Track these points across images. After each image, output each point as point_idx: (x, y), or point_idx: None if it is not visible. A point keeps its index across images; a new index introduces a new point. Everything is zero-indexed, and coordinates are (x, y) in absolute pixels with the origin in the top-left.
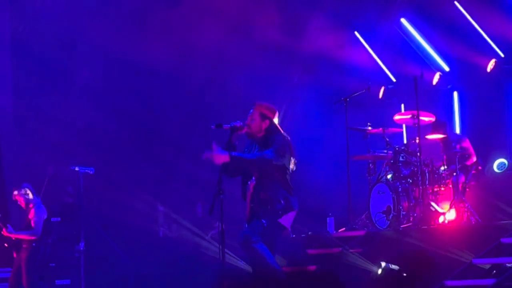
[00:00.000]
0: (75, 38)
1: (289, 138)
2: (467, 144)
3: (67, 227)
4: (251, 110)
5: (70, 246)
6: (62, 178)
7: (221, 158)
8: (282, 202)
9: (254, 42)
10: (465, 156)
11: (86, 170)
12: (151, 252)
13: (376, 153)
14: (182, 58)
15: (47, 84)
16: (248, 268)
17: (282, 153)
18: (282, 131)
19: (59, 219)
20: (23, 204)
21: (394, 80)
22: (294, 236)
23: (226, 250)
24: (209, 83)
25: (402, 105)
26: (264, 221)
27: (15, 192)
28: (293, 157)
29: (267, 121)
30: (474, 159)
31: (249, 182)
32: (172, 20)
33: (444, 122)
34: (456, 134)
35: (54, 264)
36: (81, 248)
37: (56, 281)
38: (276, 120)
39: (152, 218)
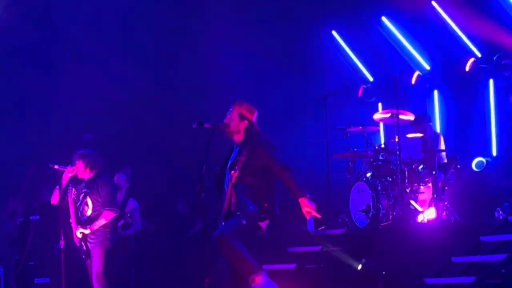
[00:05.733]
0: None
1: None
2: (439, 141)
3: (46, 225)
4: (230, 110)
5: (49, 245)
6: (41, 177)
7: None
8: (266, 206)
9: (234, 41)
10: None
11: (65, 168)
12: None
13: (356, 152)
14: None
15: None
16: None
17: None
18: (261, 132)
19: (38, 217)
20: None
21: (371, 79)
22: (269, 235)
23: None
24: (191, 82)
25: (380, 104)
26: (244, 221)
27: None
28: None
29: (246, 122)
30: (444, 157)
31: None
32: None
33: (423, 118)
34: (433, 132)
35: (33, 263)
36: (61, 247)
37: (35, 279)
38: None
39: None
